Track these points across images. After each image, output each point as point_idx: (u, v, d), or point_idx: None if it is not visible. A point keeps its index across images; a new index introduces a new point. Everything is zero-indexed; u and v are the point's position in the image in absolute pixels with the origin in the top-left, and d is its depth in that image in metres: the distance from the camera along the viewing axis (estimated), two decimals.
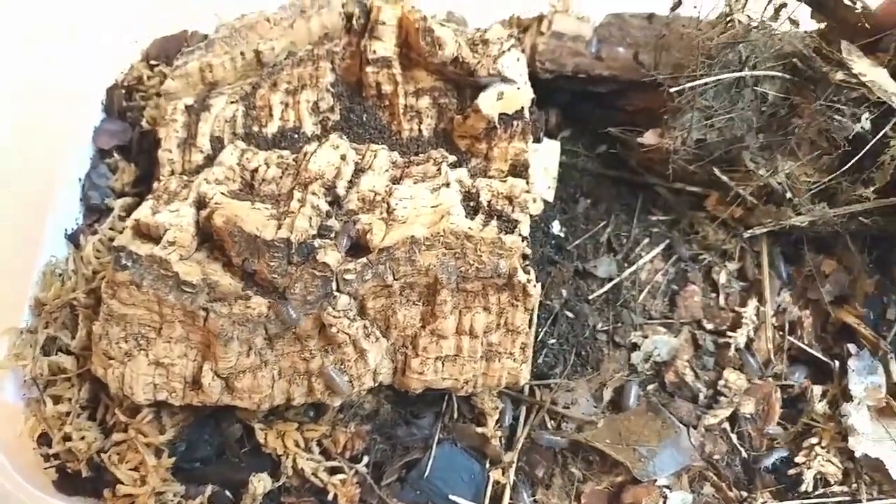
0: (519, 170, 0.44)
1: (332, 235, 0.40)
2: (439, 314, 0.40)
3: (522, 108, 0.44)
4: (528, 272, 0.40)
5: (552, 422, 0.45)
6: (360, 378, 0.40)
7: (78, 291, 0.44)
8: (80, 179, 0.50)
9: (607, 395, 0.46)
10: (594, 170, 0.54)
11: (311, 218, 0.40)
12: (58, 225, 0.47)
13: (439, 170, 0.43)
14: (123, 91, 0.54)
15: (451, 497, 0.43)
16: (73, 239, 0.48)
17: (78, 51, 0.52)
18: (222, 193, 0.42)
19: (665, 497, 0.44)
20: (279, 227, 0.40)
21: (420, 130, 0.46)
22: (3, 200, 0.46)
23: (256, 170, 0.43)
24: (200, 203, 0.42)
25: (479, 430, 0.44)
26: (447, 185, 0.42)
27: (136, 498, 0.40)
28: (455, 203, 0.41)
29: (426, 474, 0.43)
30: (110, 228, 0.47)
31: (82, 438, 0.42)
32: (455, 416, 0.45)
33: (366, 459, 0.43)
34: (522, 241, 0.40)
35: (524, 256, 0.40)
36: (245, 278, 0.41)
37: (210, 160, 0.45)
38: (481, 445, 0.44)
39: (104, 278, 0.45)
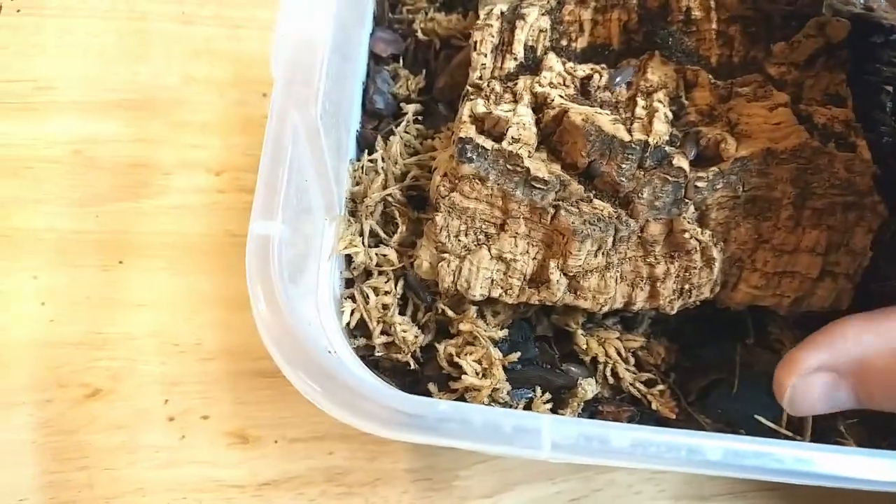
0: (835, 100, 0.44)
1: (678, 144, 0.41)
2: (784, 229, 0.40)
3: (843, 39, 0.45)
4: (880, 193, 0.40)
5: None
6: (699, 288, 0.41)
7: (392, 188, 0.44)
8: (362, 83, 0.49)
9: None
10: None
11: (664, 123, 0.40)
12: (352, 127, 0.47)
13: (766, 91, 0.43)
14: (388, 2, 0.53)
15: (756, 416, 0.43)
16: (360, 141, 0.48)
17: None
18: (560, 96, 0.42)
19: None
20: (630, 132, 0.40)
21: (730, 56, 0.46)
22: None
23: (589, 77, 0.43)
24: (537, 104, 0.42)
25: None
26: (785, 105, 0.42)
27: (476, 392, 0.39)
28: (794, 122, 0.41)
29: (733, 393, 0.44)
30: (406, 132, 0.47)
31: (404, 331, 0.41)
32: (752, 340, 0.45)
33: (672, 376, 0.43)
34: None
35: (873, 176, 0.41)
36: (583, 182, 0.40)
37: (523, 68, 0.45)
38: None
39: (414, 177, 0.45)
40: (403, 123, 0.47)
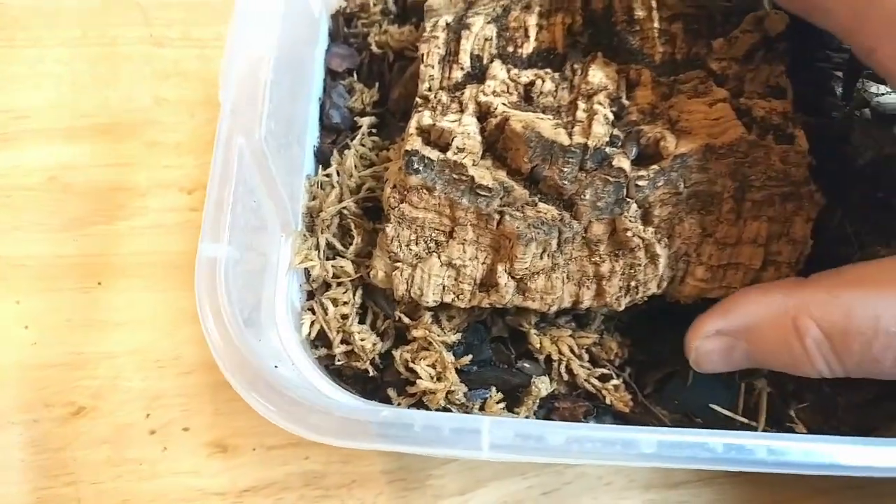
0: (776, 92, 0.45)
1: (619, 144, 0.42)
2: (726, 222, 0.41)
3: (782, 32, 0.45)
4: (816, 182, 0.41)
5: None
6: (645, 284, 0.42)
7: (347, 201, 0.45)
8: (319, 99, 0.51)
9: None
10: None
11: (603, 125, 0.41)
12: (308, 143, 0.49)
13: (707, 87, 0.44)
14: (342, 18, 0.55)
15: (710, 406, 0.45)
16: (318, 156, 0.49)
17: None
18: (503, 104, 0.43)
19: None
20: (570, 136, 0.41)
21: (673, 54, 0.47)
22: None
23: (532, 83, 0.44)
24: (481, 114, 0.43)
25: None
26: (724, 100, 0.43)
27: (432, 395, 0.41)
28: (733, 116, 0.42)
29: (687, 384, 0.45)
30: (361, 144, 0.48)
31: (362, 340, 0.43)
32: None
33: (628, 370, 0.45)
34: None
35: (809, 166, 0.42)
36: (528, 186, 0.42)
37: (470, 77, 0.46)
38: None
39: (369, 189, 0.47)
40: (358, 137, 0.49)
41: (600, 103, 0.42)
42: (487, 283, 0.42)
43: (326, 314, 0.43)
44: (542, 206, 0.41)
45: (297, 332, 0.43)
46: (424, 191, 0.41)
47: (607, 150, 0.41)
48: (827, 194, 0.45)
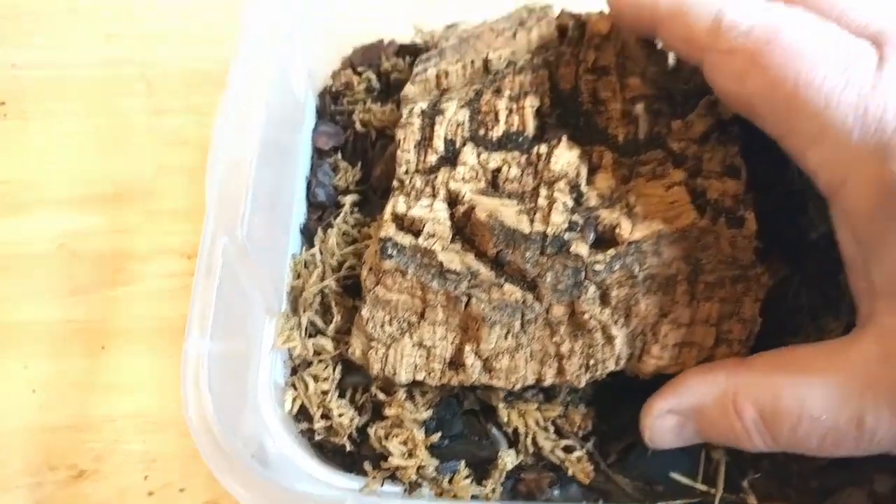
0: (731, 171, 0.47)
1: (578, 229, 0.44)
2: (680, 303, 0.44)
3: (734, 116, 0.48)
4: (761, 264, 0.44)
5: None
6: (604, 362, 0.44)
7: (329, 280, 0.48)
8: (305, 178, 0.54)
9: None
10: None
11: (562, 213, 0.44)
12: (295, 222, 0.52)
13: (665, 170, 0.47)
14: (329, 96, 0.58)
15: (671, 475, 0.47)
16: (304, 233, 0.52)
17: (290, 58, 0.56)
18: (471, 191, 0.46)
19: None
20: (532, 222, 0.44)
21: (636, 134, 0.49)
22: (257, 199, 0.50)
23: (499, 169, 0.47)
24: (451, 200, 0.46)
25: None
26: (680, 183, 0.45)
27: (403, 470, 0.44)
28: (687, 200, 0.45)
29: (649, 453, 0.47)
30: (344, 222, 0.51)
31: (340, 416, 0.46)
32: None
33: (592, 440, 0.47)
34: (756, 236, 0.44)
35: (756, 250, 0.44)
36: (494, 269, 0.44)
37: (444, 161, 0.49)
38: None
39: (350, 267, 0.50)
40: (341, 215, 0.51)
41: (560, 190, 0.45)
42: (456, 363, 0.44)
43: (307, 390, 0.46)
44: (507, 287, 0.44)
45: (280, 407, 0.46)
46: (398, 274, 0.44)
47: (566, 236, 0.44)
48: (786, 263, 0.48)
